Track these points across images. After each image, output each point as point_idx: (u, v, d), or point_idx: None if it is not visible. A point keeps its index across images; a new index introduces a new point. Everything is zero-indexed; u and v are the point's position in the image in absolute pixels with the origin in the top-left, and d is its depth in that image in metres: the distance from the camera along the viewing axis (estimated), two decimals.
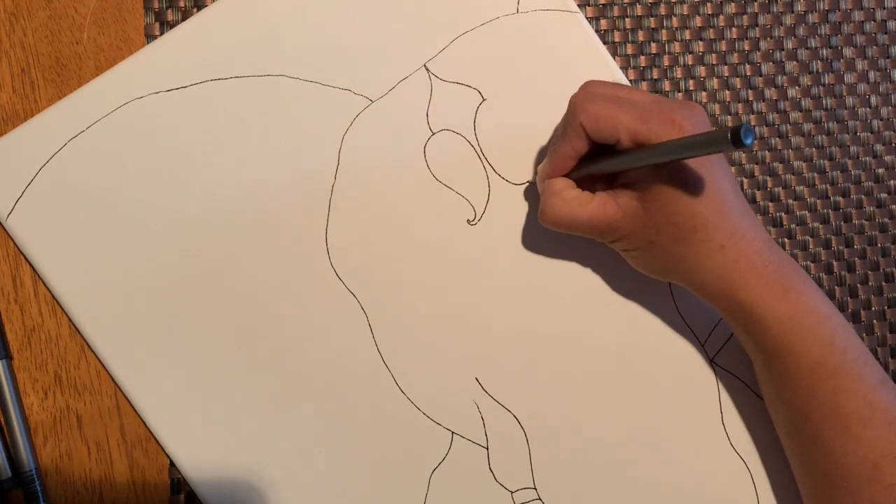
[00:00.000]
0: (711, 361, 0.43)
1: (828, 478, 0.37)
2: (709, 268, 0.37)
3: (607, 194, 0.38)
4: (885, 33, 0.48)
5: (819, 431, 0.37)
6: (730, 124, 0.33)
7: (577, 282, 0.43)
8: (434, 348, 0.42)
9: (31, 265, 0.41)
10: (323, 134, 0.43)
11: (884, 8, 0.48)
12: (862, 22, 0.48)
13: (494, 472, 0.42)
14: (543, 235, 0.43)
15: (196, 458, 0.40)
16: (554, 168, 0.40)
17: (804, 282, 0.37)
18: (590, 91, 0.38)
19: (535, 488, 0.42)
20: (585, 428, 0.42)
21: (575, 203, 0.39)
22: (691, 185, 0.36)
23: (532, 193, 0.44)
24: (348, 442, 0.41)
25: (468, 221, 0.43)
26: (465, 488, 0.41)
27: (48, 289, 0.41)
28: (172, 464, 0.41)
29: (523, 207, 0.44)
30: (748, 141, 0.29)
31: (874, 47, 0.48)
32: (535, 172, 0.43)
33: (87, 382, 0.41)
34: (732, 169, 0.44)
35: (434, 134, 0.43)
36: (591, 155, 0.39)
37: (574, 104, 0.38)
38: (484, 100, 0.44)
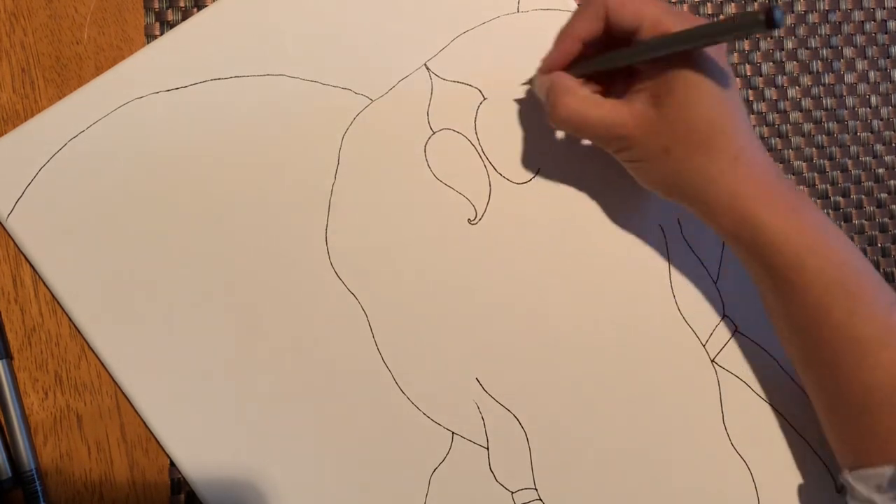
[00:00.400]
0: (713, 361, 0.43)
1: (847, 405, 0.37)
2: (722, 180, 0.36)
3: (619, 100, 0.37)
4: (885, 33, 0.48)
5: (835, 357, 0.36)
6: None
7: (578, 282, 0.43)
8: (434, 348, 0.42)
9: (31, 265, 0.41)
10: (323, 134, 0.43)
11: (884, 8, 0.48)
12: (862, 22, 0.48)
13: (495, 472, 0.42)
14: (545, 235, 0.43)
15: (196, 458, 0.40)
16: (560, 50, 0.38)
17: (809, 203, 0.37)
18: None
19: (535, 488, 0.42)
20: (586, 428, 0.42)
21: (589, 102, 0.37)
22: (708, 91, 0.35)
23: (533, 192, 0.44)
24: (348, 442, 0.41)
25: (469, 221, 0.43)
26: (465, 489, 0.41)
27: (48, 289, 0.41)
28: (172, 464, 0.41)
29: (524, 206, 0.44)
30: (781, 22, 0.30)
31: (874, 47, 0.48)
32: (530, 78, 0.43)
33: (87, 382, 0.41)
34: None
35: (434, 133, 0.43)
36: (595, 54, 0.38)
37: None
38: (485, 99, 0.44)
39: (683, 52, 0.35)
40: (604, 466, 0.42)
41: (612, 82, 0.40)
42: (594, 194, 0.42)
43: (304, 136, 0.43)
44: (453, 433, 0.42)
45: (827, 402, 0.38)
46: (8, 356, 0.41)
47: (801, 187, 0.46)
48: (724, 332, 0.43)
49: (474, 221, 0.43)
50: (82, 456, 0.41)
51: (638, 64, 0.37)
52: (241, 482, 0.41)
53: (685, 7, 0.47)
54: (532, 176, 0.44)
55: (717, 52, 0.36)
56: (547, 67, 0.39)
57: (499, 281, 0.43)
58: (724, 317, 0.43)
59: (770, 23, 0.30)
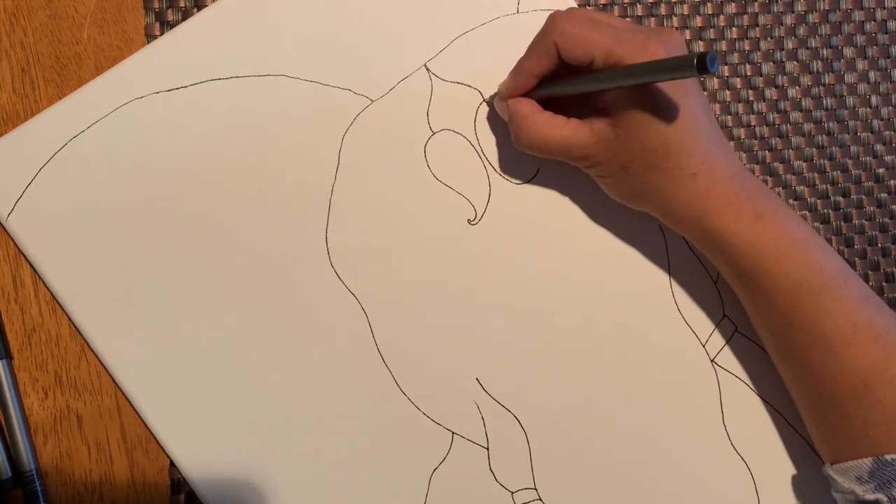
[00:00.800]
0: (712, 361, 0.43)
1: (819, 399, 0.38)
2: (680, 195, 0.37)
3: (580, 121, 0.38)
4: (886, 33, 0.48)
5: (804, 353, 0.37)
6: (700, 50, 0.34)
7: (578, 282, 0.43)
8: (434, 348, 0.42)
9: (31, 265, 0.41)
10: (323, 134, 0.43)
11: (884, 8, 0.48)
12: (862, 22, 0.48)
13: (495, 472, 0.42)
14: (544, 235, 0.43)
15: (196, 458, 0.40)
16: (516, 84, 0.39)
17: (777, 207, 0.37)
18: (567, 13, 0.38)
19: (535, 489, 0.42)
20: (586, 428, 0.42)
21: (549, 125, 0.39)
22: (664, 110, 0.36)
23: (533, 192, 0.44)
24: (348, 442, 0.41)
25: (469, 221, 0.43)
26: (465, 489, 0.41)
27: (48, 289, 0.41)
28: (172, 464, 0.41)
29: (524, 207, 0.44)
30: (713, 68, 0.30)
31: (874, 47, 0.48)
32: (490, 95, 0.43)
33: (87, 382, 0.41)
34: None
35: (434, 134, 0.43)
36: (554, 78, 0.39)
37: (550, 24, 0.38)
38: (484, 99, 0.44)
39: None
40: (604, 466, 0.42)
41: (568, 100, 0.40)
42: (593, 195, 0.42)
43: (305, 136, 0.43)
44: (453, 433, 0.42)
45: (803, 398, 0.39)
46: (8, 356, 0.41)
47: (801, 187, 0.46)
48: (723, 333, 0.43)
49: (474, 222, 0.43)
50: (82, 456, 0.41)
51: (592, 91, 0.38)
52: (241, 482, 0.41)
53: (685, 7, 0.47)
54: (532, 176, 0.44)
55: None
56: (507, 93, 0.40)
57: (498, 281, 0.43)
58: (723, 317, 0.43)
59: (702, 67, 0.30)
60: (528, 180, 0.44)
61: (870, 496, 0.35)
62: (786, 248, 0.37)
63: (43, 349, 0.41)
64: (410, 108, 0.43)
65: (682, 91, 0.36)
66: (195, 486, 0.40)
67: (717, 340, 0.43)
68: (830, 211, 0.46)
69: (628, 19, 0.46)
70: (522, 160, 0.44)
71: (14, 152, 0.41)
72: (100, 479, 0.41)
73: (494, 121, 0.44)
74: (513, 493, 0.42)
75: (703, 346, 0.43)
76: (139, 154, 0.42)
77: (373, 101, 0.43)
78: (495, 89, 0.44)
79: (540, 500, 0.42)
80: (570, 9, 0.39)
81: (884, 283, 0.46)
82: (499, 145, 0.44)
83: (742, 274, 0.38)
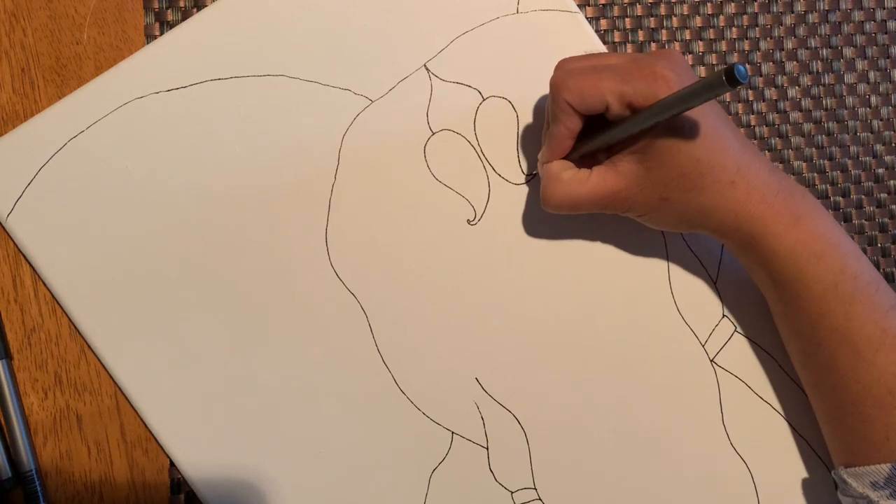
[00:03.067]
0: (712, 361, 0.43)
1: (842, 405, 0.37)
2: (723, 206, 0.37)
3: (605, 166, 0.38)
4: (885, 33, 0.48)
5: (832, 359, 0.37)
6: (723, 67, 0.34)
7: (578, 282, 0.43)
8: (434, 348, 0.42)
9: (30, 265, 0.41)
10: (323, 134, 0.43)
11: (884, 8, 0.48)
12: (862, 22, 0.48)
13: (494, 472, 0.42)
14: (544, 235, 0.43)
15: (196, 458, 0.40)
16: (552, 151, 0.39)
17: (814, 208, 0.38)
18: (565, 68, 0.38)
19: (535, 488, 0.42)
20: (586, 428, 0.42)
21: (573, 182, 0.38)
22: (687, 133, 0.36)
23: (532, 192, 0.44)
24: (347, 441, 0.41)
25: (468, 221, 0.43)
26: (465, 488, 0.41)
27: (48, 289, 0.41)
28: (172, 464, 0.41)
29: (523, 207, 0.44)
30: (743, 78, 0.30)
31: (874, 47, 0.48)
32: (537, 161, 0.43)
33: (87, 382, 0.41)
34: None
35: (434, 134, 0.43)
36: (587, 130, 0.39)
37: (554, 85, 0.38)
38: (484, 100, 0.44)
39: None
40: (603, 466, 0.42)
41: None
42: None
43: (304, 136, 0.43)
44: (453, 433, 0.42)
45: (824, 401, 0.39)
46: (8, 356, 0.41)
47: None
48: (723, 333, 0.43)
49: (473, 222, 0.43)
50: (82, 456, 0.41)
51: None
52: (241, 481, 0.41)
53: (685, 7, 0.47)
54: (531, 176, 0.44)
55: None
56: (545, 161, 0.40)
57: (498, 281, 0.43)
58: (723, 317, 0.43)
59: (732, 80, 0.30)
60: (528, 180, 0.44)
61: (884, 502, 0.35)
62: (820, 252, 0.37)
63: (43, 349, 0.41)
64: (410, 108, 0.43)
65: (697, 109, 0.36)
66: (195, 485, 0.40)
67: (717, 340, 0.43)
68: (831, 211, 0.46)
69: (628, 25, 0.46)
70: (522, 160, 0.44)
71: (14, 152, 0.41)
72: (100, 479, 0.41)
73: (494, 121, 0.44)
74: (512, 492, 0.42)
75: (703, 346, 0.43)
76: (139, 154, 0.42)
77: (372, 102, 0.43)
78: (495, 90, 0.44)
79: (539, 499, 0.42)
80: (565, 61, 0.39)
81: None
82: (498, 145, 0.44)
83: (778, 278, 0.38)
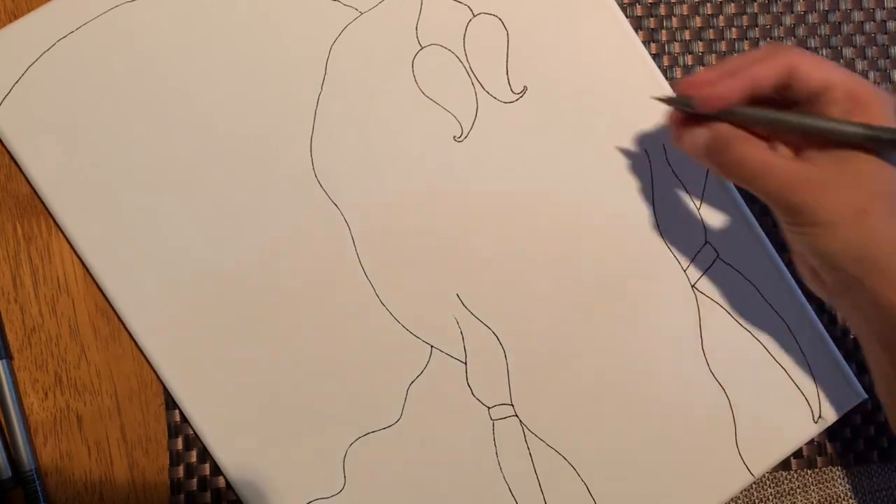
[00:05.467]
0: (693, 287, 0.43)
1: None
2: None
3: (795, 157, 0.33)
4: (885, 34, 0.48)
5: None
6: None
7: (561, 203, 0.43)
8: (415, 262, 0.42)
9: (15, 163, 0.41)
10: (311, 43, 0.43)
11: (883, 8, 0.48)
12: (861, 22, 0.48)
13: (472, 386, 0.42)
14: (530, 155, 0.43)
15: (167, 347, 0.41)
16: (731, 87, 0.32)
17: None
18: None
19: (511, 404, 0.42)
20: (564, 348, 0.42)
21: (765, 148, 0.32)
22: None
23: (521, 112, 0.43)
24: (326, 351, 0.41)
25: (454, 138, 0.43)
26: (442, 401, 0.42)
27: (32, 186, 0.41)
28: (172, 464, 0.41)
29: (511, 126, 0.44)
30: None
31: (874, 48, 0.48)
32: (672, 99, 0.37)
33: (87, 382, 0.41)
34: None
35: (422, 48, 0.43)
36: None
37: (786, 48, 0.33)
38: (475, 16, 0.44)
39: None
40: (580, 387, 0.42)
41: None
42: (580, 117, 0.42)
43: (292, 45, 0.43)
44: (432, 347, 0.42)
45: None
46: (8, 356, 0.41)
47: None
48: (705, 259, 0.43)
49: (460, 139, 0.43)
50: (82, 456, 0.41)
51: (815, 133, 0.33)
52: (215, 386, 0.41)
53: (684, 7, 0.47)
54: (519, 96, 0.44)
55: None
56: (706, 104, 0.34)
57: (482, 199, 0.43)
58: (705, 243, 0.44)
59: None
60: (516, 100, 0.44)
61: None
62: None
63: (43, 349, 0.41)
64: (399, 21, 0.43)
65: None
66: (167, 382, 0.41)
67: (699, 266, 0.43)
68: None
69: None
70: (511, 79, 0.44)
71: (2, 51, 0.42)
72: (100, 479, 0.41)
73: (484, 38, 0.44)
74: (489, 407, 0.42)
75: (685, 271, 0.43)
76: (127, 57, 0.42)
77: (361, 13, 0.43)
78: (485, 6, 0.43)
79: (516, 415, 0.42)
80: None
81: None
82: (487, 63, 0.44)
83: None
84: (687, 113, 0.36)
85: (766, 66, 0.32)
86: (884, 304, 0.31)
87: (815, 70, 0.32)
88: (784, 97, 0.34)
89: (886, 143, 0.31)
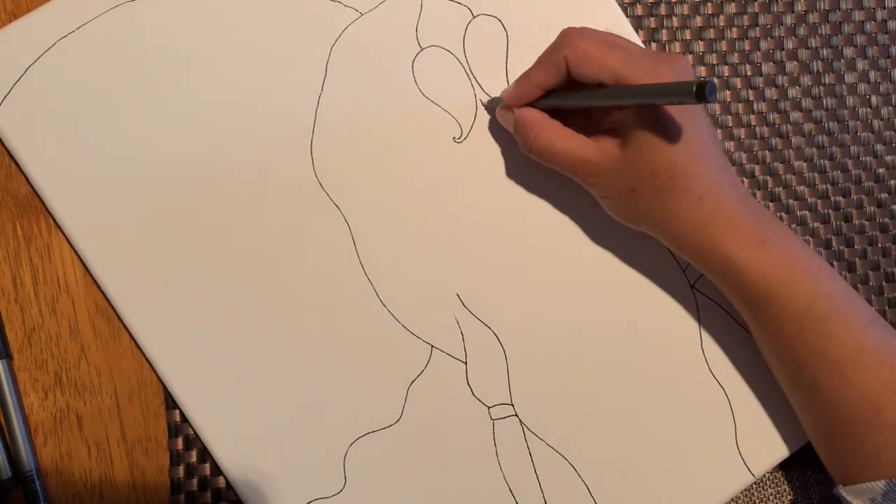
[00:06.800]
0: (692, 287, 0.43)
1: (830, 425, 0.38)
2: (686, 219, 0.37)
3: (587, 138, 0.38)
4: (886, 33, 0.48)
5: (814, 379, 0.37)
6: (703, 79, 0.34)
7: (561, 204, 0.43)
8: (416, 262, 0.43)
9: (15, 163, 0.41)
10: (311, 44, 0.43)
11: (884, 8, 0.48)
12: (862, 22, 0.48)
13: (472, 386, 0.42)
14: (528, 156, 0.43)
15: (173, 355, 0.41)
16: (520, 94, 0.39)
17: (782, 233, 0.38)
18: (579, 30, 0.38)
19: (511, 404, 0.42)
20: (564, 347, 0.43)
21: (557, 133, 0.38)
22: (672, 133, 0.36)
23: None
24: (327, 351, 0.42)
25: (454, 139, 0.43)
26: (442, 401, 0.42)
27: (32, 186, 0.41)
28: (172, 464, 0.41)
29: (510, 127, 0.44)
30: (711, 98, 0.31)
31: (874, 47, 0.48)
32: (491, 100, 0.43)
33: (87, 382, 0.41)
34: (734, 168, 0.44)
35: (422, 49, 0.43)
36: (557, 91, 0.39)
37: (563, 37, 0.38)
38: (474, 17, 0.44)
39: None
40: (580, 386, 0.42)
41: (571, 116, 0.40)
42: None
43: (293, 45, 0.43)
44: (432, 346, 0.42)
45: (814, 422, 0.39)
46: (8, 356, 0.41)
47: (802, 187, 0.46)
48: None
49: (459, 140, 0.43)
50: (82, 456, 0.41)
51: (597, 107, 0.38)
52: (216, 385, 0.41)
53: (685, 7, 0.47)
54: (490, 107, 0.44)
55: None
56: (510, 100, 0.40)
57: (481, 200, 0.43)
58: None
59: (700, 96, 0.31)
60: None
61: None
62: (792, 274, 0.37)
63: (43, 349, 0.41)
64: (399, 22, 0.43)
65: (689, 115, 0.36)
66: (164, 378, 0.41)
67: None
68: (830, 211, 0.46)
69: (637, 36, 0.46)
70: (510, 80, 0.44)
71: (2, 50, 0.41)
72: (100, 479, 0.41)
73: (483, 40, 0.44)
74: (489, 407, 0.42)
75: (684, 271, 0.44)
76: (127, 56, 0.42)
77: (362, 14, 0.43)
78: (486, 7, 0.44)
79: (516, 415, 0.42)
80: (585, 27, 0.39)
81: (884, 283, 0.46)
82: (487, 64, 0.44)
83: (750, 300, 0.38)
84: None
85: (542, 73, 0.38)
86: (671, 248, 0.40)
87: (584, 67, 0.36)
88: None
89: (635, 107, 0.36)
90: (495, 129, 0.43)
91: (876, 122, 0.47)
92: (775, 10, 0.47)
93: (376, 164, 0.43)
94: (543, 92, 0.39)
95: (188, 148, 0.42)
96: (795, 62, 0.47)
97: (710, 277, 0.39)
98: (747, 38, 0.47)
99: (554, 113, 0.40)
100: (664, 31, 0.46)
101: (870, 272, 0.46)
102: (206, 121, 0.42)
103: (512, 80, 0.43)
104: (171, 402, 0.41)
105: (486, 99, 0.44)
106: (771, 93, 0.47)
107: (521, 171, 0.43)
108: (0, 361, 0.40)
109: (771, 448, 0.43)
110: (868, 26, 0.48)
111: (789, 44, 0.47)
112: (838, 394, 0.36)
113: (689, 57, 0.46)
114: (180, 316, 0.41)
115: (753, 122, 0.47)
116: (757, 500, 0.44)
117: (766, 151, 0.46)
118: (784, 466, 0.44)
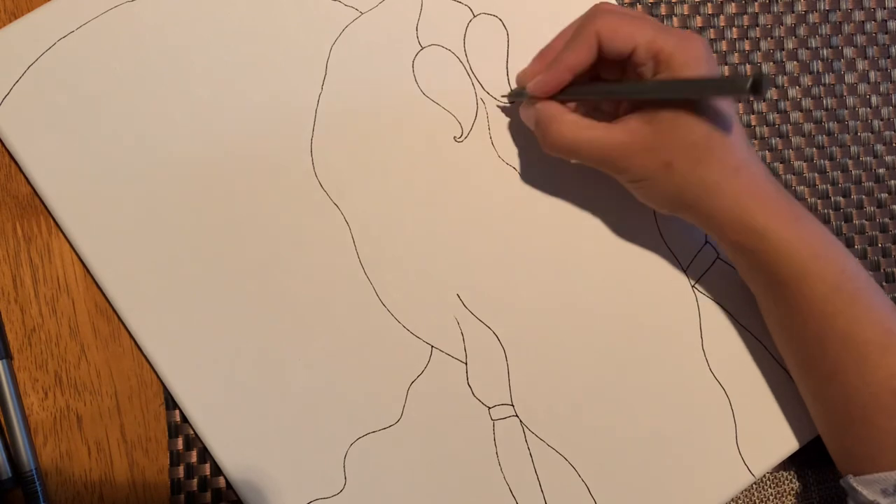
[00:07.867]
0: (693, 287, 0.43)
1: (847, 412, 0.37)
2: (725, 191, 0.36)
3: (611, 123, 0.37)
4: (886, 33, 0.48)
5: (837, 363, 0.37)
6: (748, 73, 0.34)
7: (562, 203, 0.43)
8: (415, 263, 0.43)
9: (15, 163, 0.41)
10: (312, 43, 0.43)
11: (884, 8, 0.48)
12: (862, 22, 0.48)
13: (472, 387, 0.42)
14: (529, 155, 0.44)
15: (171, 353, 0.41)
16: (550, 80, 0.38)
17: (808, 213, 0.38)
18: (608, 5, 0.38)
19: (511, 405, 0.42)
20: (564, 348, 0.43)
21: (579, 125, 0.37)
22: (704, 107, 0.35)
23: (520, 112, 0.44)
24: (327, 351, 0.42)
25: (455, 138, 0.43)
26: (442, 401, 0.42)
27: (32, 185, 0.41)
28: (172, 464, 0.41)
29: (510, 126, 0.44)
30: (767, 90, 0.31)
31: (875, 47, 0.48)
32: (512, 92, 0.43)
33: (87, 382, 0.41)
34: None
35: (423, 48, 0.43)
36: (582, 82, 0.38)
37: (590, 14, 0.37)
38: (475, 16, 0.44)
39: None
40: (581, 387, 0.42)
41: (594, 104, 0.40)
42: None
43: (293, 44, 0.43)
44: (432, 347, 0.42)
45: (827, 410, 0.39)
46: (8, 356, 0.41)
47: (802, 187, 0.46)
48: (705, 259, 0.44)
49: (460, 139, 0.43)
50: (82, 456, 0.41)
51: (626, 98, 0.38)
52: (214, 386, 0.41)
53: (685, 7, 0.47)
54: (513, 100, 0.44)
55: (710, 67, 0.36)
56: (538, 89, 0.39)
57: (482, 199, 0.43)
58: (705, 243, 0.44)
59: (757, 90, 0.31)
60: (510, 102, 0.44)
61: None
62: (823, 250, 0.36)
63: (43, 349, 0.41)
64: (399, 21, 0.44)
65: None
66: (165, 378, 0.41)
67: (699, 266, 0.44)
68: (830, 211, 0.46)
69: None
70: (511, 79, 0.44)
71: (2, 50, 0.42)
72: (100, 479, 0.41)
73: (484, 38, 0.44)
74: (489, 408, 0.42)
75: (685, 271, 0.43)
76: (127, 56, 0.42)
77: (362, 13, 0.43)
78: (486, 5, 0.43)
79: (516, 415, 0.42)
80: (609, 3, 0.38)
81: (884, 284, 0.46)
82: (487, 63, 0.44)
83: (779, 276, 0.37)
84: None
85: (575, 53, 0.37)
86: (704, 227, 0.39)
87: (616, 38, 0.36)
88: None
89: (677, 100, 0.35)
90: (496, 128, 0.43)
91: (876, 122, 0.47)
92: (775, 10, 0.47)
93: (376, 163, 0.43)
94: (573, 76, 0.37)
95: (188, 147, 0.42)
96: (795, 62, 0.47)
97: (737, 259, 0.39)
98: (747, 39, 0.47)
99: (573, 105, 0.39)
100: None
101: (870, 272, 0.46)
102: (205, 120, 0.42)
103: (512, 79, 0.43)
104: (171, 403, 0.41)
105: (487, 98, 0.44)
106: (771, 93, 0.47)
107: (521, 170, 0.43)
108: (0, 361, 0.40)
109: (771, 448, 0.43)
110: (868, 26, 0.48)
111: (789, 44, 0.47)
112: (861, 378, 0.36)
113: None
114: (180, 316, 0.41)
115: (753, 122, 0.47)
116: (757, 500, 0.44)
117: (766, 151, 0.46)
118: (784, 467, 0.44)
